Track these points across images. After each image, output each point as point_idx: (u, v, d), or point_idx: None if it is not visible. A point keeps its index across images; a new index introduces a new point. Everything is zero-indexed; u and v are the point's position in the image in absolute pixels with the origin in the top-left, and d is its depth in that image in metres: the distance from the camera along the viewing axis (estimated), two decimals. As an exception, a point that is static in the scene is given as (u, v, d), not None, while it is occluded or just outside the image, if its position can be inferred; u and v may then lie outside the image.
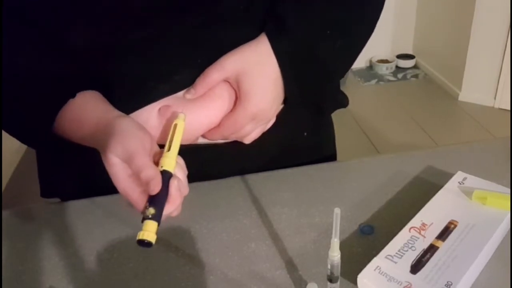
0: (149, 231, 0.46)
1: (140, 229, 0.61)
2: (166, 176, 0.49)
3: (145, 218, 0.47)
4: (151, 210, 0.47)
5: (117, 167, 0.49)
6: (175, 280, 0.54)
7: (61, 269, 0.56)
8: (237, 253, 0.57)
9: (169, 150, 0.51)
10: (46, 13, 0.57)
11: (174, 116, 0.56)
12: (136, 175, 0.48)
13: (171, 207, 0.49)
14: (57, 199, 0.73)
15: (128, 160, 0.48)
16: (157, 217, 0.47)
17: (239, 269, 0.55)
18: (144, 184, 0.47)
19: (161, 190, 0.48)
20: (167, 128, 0.56)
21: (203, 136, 0.63)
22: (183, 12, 0.57)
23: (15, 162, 2.64)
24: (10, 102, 0.58)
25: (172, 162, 0.50)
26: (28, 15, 0.57)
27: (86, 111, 0.56)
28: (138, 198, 0.48)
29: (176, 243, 0.59)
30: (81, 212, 0.66)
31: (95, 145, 0.55)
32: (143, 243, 0.46)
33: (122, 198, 0.49)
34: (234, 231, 0.61)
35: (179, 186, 0.50)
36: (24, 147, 2.72)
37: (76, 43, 0.58)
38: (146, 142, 0.51)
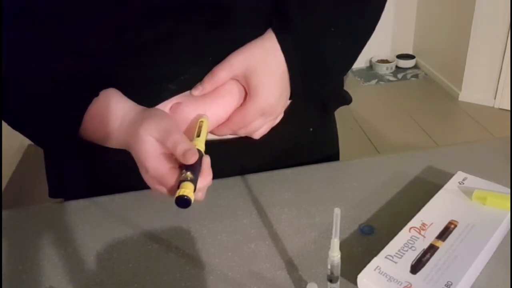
0: (189, 189, 0.47)
1: (140, 228, 0.61)
2: (199, 154, 0.51)
3: (182, 181, 0.48)
4: (189, 175, 0.49)
5: (149, 144, 0.52)
6: (174, 280, 0.54)
7: (61, 269, 0.56)
8: (237, 253, 0.57)
9: (198, 136, 0.55)
10: (57, 15, 0.57)
11: (187, 115, 0.59)
12: (172, 149, 0.51)
13: (204, 182, 0.52)
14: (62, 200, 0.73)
15: (164, 137, 0.51)
16: (194, 182, 0.49)
17: (239, 269, 0.55)
18: (180, 156, 0.50)
19: (196, 163, 0.50)
20: (181, 125, 0.59)
21: (212, 132, 0.63)
22: (193, 12, 0.58)
23: (15, 162, 2.64)
24: (30, 106, 0.59)
25: (202, 145, 0.54)
26: (38, 16, 0.58)
27: (110, 106, 0.58)
28: (169, 173, 0.50)
29: (176, 243, 0.59)
30: (81, 212, 0.66)
31: (119, 139, 0.57)
32: (182, 201, 0.47)
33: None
34: (234, 231, 0.61)
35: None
36: (24, 147, 2.72)
37: (87, 44, 0.59)
38: (178, 125, 0.54)
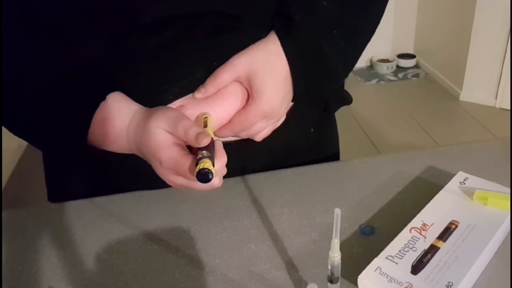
0: (208, 164, 0.48)
1: (140, 229, 0.61)
2: (211, 139, 0.52)
3: (201, 158, 0.49)
4: (206, 153, 0.49)
5: (160, 136, 0.53)
6: (174, 281, 0.54)
7: (60, 269, 0.56)
8: (237, 254, 0.57)
9: (205, 127, 0.56)
10: (61, 21, 0.57)
11: (191, 117, 0.59)
12: (184, 136, 0.52)
13: (219, 163, 0.52)
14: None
15: (173, 125, 0.52)
16: (211, 159, 0.49)
17: (239, 270, 0.55)
18: (193, 140, 0.51)
19: (209, 146, 0.51)
20: None
21: (213, 134, 0.63)
22: (199, 19, 0.58)
23: (15, 162, 2.63)
24: (34, 110, 0.59)
25: (212, 134, 0.54)
26: (42, 23, 0.57)
27: (117, 109, 0.58)
28: (183, 159, 0.51)
29: (176, 244, 0.59)
30: (81, 212, 0.65)
31: (128, 141, 0.57)
32: (203, 174, 0.47)
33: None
34: (234, 232, 0.60)
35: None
36: (23, 147, 2.72)
37: (92, 51, 0.58)
38: (185, 115, 0.55)
